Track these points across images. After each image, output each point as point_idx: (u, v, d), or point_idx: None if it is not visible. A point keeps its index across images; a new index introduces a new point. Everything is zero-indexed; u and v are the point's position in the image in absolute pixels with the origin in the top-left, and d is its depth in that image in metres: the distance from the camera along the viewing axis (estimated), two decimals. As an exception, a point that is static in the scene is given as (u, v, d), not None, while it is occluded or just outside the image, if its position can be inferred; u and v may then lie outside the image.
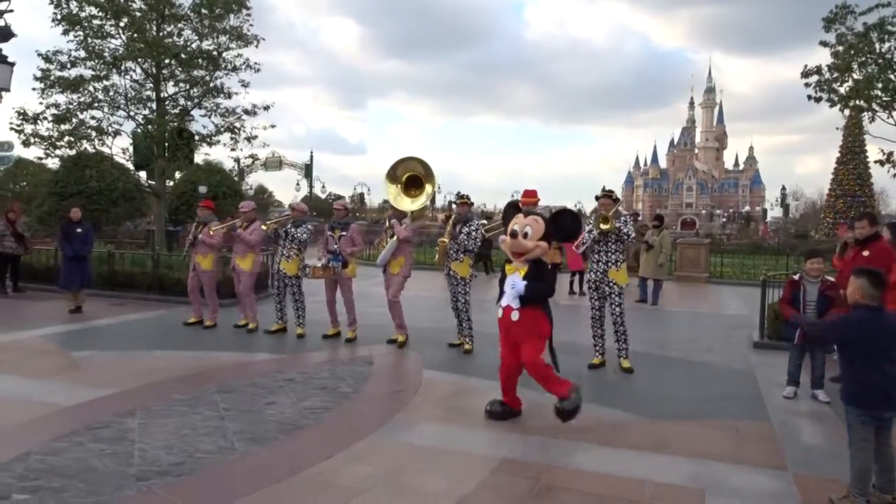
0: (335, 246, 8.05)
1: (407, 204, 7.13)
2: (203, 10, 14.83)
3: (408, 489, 3.81)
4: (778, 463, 4.33)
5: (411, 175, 6.18)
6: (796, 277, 6.02)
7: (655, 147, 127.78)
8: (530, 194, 7.52)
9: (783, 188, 62.87)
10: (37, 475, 3.84)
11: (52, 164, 21.59)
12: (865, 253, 6.43)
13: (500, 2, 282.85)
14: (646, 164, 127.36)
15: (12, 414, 5.01)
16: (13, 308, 10.73)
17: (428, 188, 6.42)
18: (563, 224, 5.31)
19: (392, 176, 6.59)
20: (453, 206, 7.92)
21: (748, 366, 7.32)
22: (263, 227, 8.59)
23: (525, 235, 4.90)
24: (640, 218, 19.69)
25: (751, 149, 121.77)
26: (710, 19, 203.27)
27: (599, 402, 5.67)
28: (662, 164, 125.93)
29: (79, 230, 10.43)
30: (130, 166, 16.82)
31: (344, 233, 8.10)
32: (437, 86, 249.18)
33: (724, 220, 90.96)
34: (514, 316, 4.87)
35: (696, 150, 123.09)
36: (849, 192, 34.93)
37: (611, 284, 6.80)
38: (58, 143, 14.43)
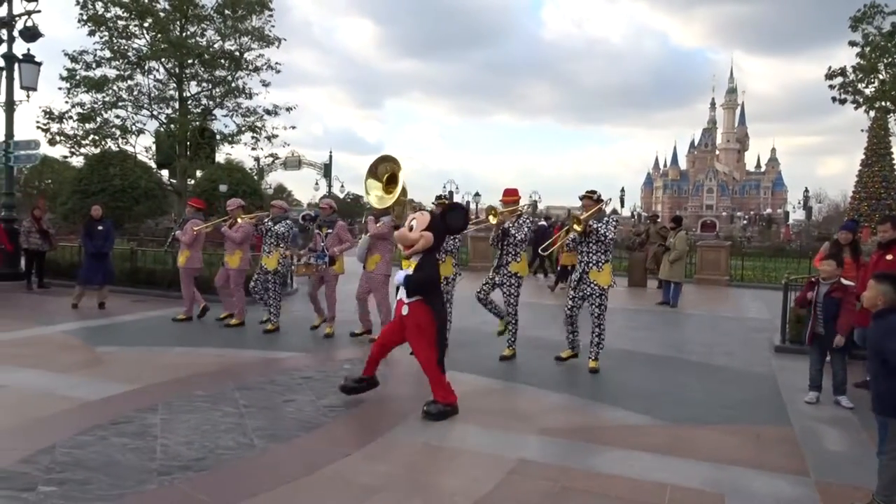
0: (322, 244, 8.25)
1: (388, 200, 7.22)
2: (226, 11, 15.00)
3: (425, 488, 3.82)
4: (799, 468, 4.28)
5: (391, 175, 6.25)
6: (814, 279, 5.97)
7: (675, 148, 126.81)
8: (510, 193, 7.59)
9: (806, 190, 62.00)
10: (62, 468, 3.92)
11: (77, 162, 21.94)
12: (889, 257, 6.33)
13: (516, 1, 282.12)
14: (665, 166, 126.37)
15: (38, 407, 5.11)
16: (38, 303, 10.92)
17: (400, 179, 6.49)
18: (451, 219, 5.40)
19: (373, 173, 6.67)
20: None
21: (769, 370, 7.24)
22: (240, 220, 8.84)
23: (411, 228, 5.13)
24: (658, 219, 19.52)
25: (773, 150, 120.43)
26: (731, 18, 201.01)
27: (617, 404, 5.64)
28: (682, 165, 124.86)
29: (100, 227, 10.60)
30: (153, 164, 17.09)
31: (330, 230, 8.32)
32: (454, 85, 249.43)
33: (745, 222, 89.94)
34: (404, 310, 5.15)
35: (717, 152, 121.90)
36: (874, 195, 34.28)
37: (591, 285, 6.83)
38: (82, 142, 14.71)
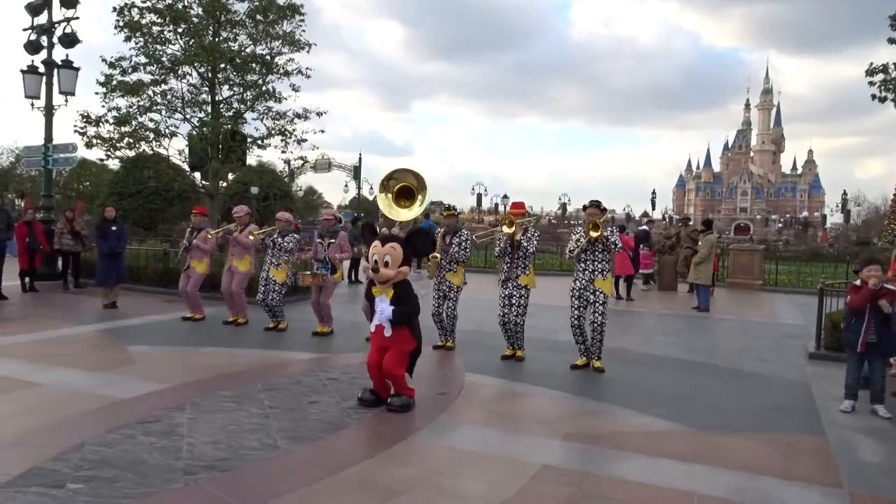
0: (324, 253, 8.42)
1: (404, 214, 7.22)
2: (258, 16, 15.18)
3: (447, 492, 3.80)
4: (832, 480, 4.15)
5: (403, 186, 6.23)
6: (858, 283, 5.78)
7: (709, 150, 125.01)
8: (518, 206, 7.68)
9: (844, 193, 60.66)
10: (91, 465, 3.99)
11: (113, 164, 22.47)
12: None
13: (544, 2, 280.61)
14: (698, 168, 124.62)
15: (70, 405, 5.22)
16: (73, 303, 11.19)
17: (420, 198, 6.46)
18: (416, 244, 5.53)
19: (384, 186, 6.67)
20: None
21: (803, 377, 7.06)
22: (251, 238, 9.10)
23: (386, 264, 5.23)
24: (690, 223, 19.22)
25: (810, 152, 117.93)
26: (764, 17, 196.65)
27: (643, 410, 5.56)
28: (716, 167, 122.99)
29: (114, 228, 10.84)
30: (186, 167, 17.33)
31: (333, 240, 8.53)
32: (482, 87, 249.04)
33: (780, 225, 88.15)
34: (387, 332, 5.29)
35: (752, 154, 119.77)
36: (915, 198, 33.32)
37: (596, 293, 6.86)
38: (118, 145, 14.98)
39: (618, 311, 11.95)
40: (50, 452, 4.16)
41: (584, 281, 6.90)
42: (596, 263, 6.88)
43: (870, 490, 4.03)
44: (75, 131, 14.76)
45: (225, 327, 9.07)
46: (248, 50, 15.51)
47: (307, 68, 15.82)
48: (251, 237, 9.11)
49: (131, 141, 15.02)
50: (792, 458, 4.53)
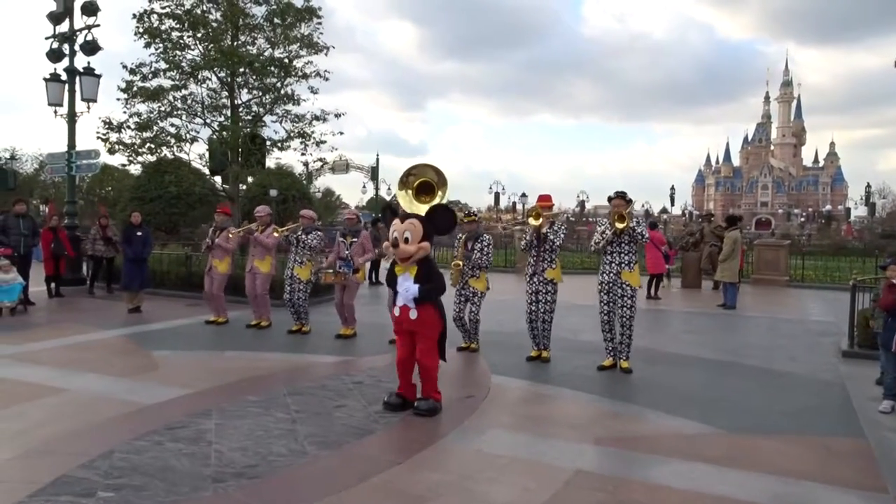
0: (347, 252, 8.37)
1: (423, 209, 7.18)
2: (276, 20, 15.23)
3: (479, 498, 3.74)
4: (875, 485, 4.02)
5: (422, 181, 6.17)
6: (894, 281, 5.62)
7: (728, 144, 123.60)
8: (545, 199, 7.54)
9: (868, 185, 59.55)
10: (120, 473, 3.98)
11: (135, 170, 22.67)
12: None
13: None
14: (717, 162, 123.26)
15: (97, 412, 5.24)
16: (98, 308, 11.30)
17: (440, 193, 6.41)
18: (437, 220, 5.34)
19: (403, 182, 6.64)
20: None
21: (837, 377, 6.89)
22: (276, 235, 9.02)
23: (406, 240, 5.14)
24: (713, 218, 18.94)
25: (831, 144, 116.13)
26: (782, 8, 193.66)
27: (673, 412, 5.45)
28: (735, 161, 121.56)
29: (139, 233, 10.89)
30: (206, 171, 17.44)
31: (355, 240, 8.47)
32: (496, 85, 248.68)
33: (803, 219, 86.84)
34: (413, 314, 5.19)
35: (772, 147, 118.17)
36: (943, 190, 32.61)
37: (623, 286, 6.72)
38: (139, 150, 15.12)
39: (644, 311, 11.80)
40: (79, 460, 4.16)
41: (611, 274, 6.78)
42: (623, 255, 6.75)
43: (915, 495, 3.89)
44: (98, 137, 14.93)
45: (248, 331, 9.09)
46: (266, 53, 15.57)
47: (325, 70, 15.86)
48: (276, 234, 9.03)
49: (153, 146, 15.15)
50: (830, 462, 4.40)
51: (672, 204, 67.38)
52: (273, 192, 26.21)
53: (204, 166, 16.75)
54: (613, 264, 6.78)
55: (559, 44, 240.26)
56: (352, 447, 4.56)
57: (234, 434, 4.73)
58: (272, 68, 15.40)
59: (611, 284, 6.78)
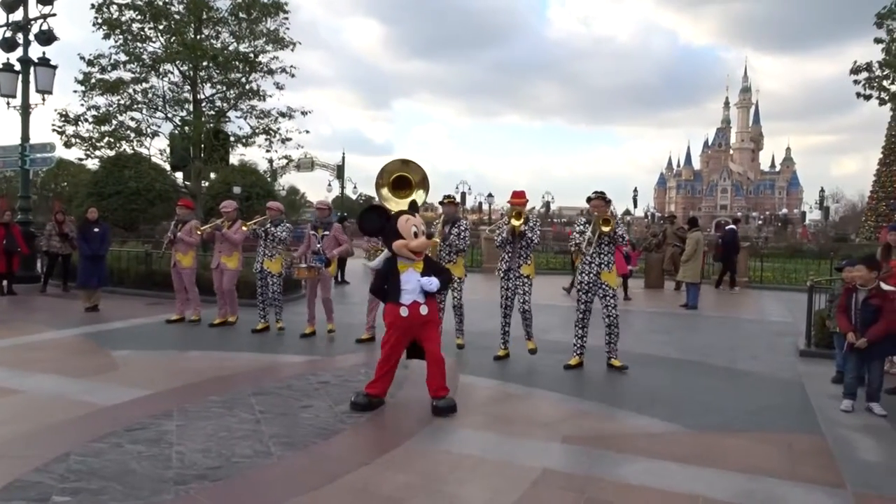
0: (318, 245, 8.18)
1: (401, 205, 7.14)
2: (241, 14, 14.96)
3: (448, 499, 3.70)
4: (835, 480, 4.11)
5: (398, 176, 6.17)
6: (851, 285, 5.77)
7: (689, 148, 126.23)
8: (518, 195, 7.47)
9: (822, 190, 61.50)
10: (77, 476, 3.83)
11: (92, 164, 22.09)
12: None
13: (521, 1, 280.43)
14: (679, 166, 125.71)
15: (53, 413, 5.04)
16: (53, 307, 10.94)
17: (416, 184, 6.41)
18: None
19: (379, 182, 6.62)
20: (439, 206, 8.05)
21: (795, 375, 7.05)
22: (244, 228, 8.84)
23: (416, 234, 5.15)
24: (675, 220, 19.26)
25: (787, 150, 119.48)
26: (741, 16, 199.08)
27: (641, 410, 5.50)
28: (696, 165, 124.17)
29: (96, 230, 10.59)
30: (167, 167, 17.07)
31: (326, 232, 8.28)
32: (462, 86, 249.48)
33: (760, 222, 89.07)
34: (424, 310, 5.15)
35: (732, 151, 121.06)
36: (892, 195, 33.79)
37: (604, 287, 6.80)
38: (98, 144, 14.70)
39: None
40: (33, 463, 3.99)
41: (591, 275, 6.83)
42: (602, 256, 6.81)
43: (874, 489, 3.99)
44: (53, 130, 14.48)
45: (212, 330, 8.88)
46: (231, 48, 15.29)
47: (291, 66, 15.65)
48: (244, 228, 8.83)
49: (111, 140, 14.75)
50: (792, 459, 4.49)
51: (635, 206, 68.43)
52: (237, 190, 25.77)
53: (165, 162, 16.41)
54: (593, 265, 6.81)
55: (525, 46, 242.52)
56: (318, 448, 4.48)
57: (197, 435, 4.60)
58: (237, 63, 15.14)
59: (590, 285, 6.82)
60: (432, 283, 5.13)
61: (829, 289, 7.73)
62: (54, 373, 6.30)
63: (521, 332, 7.32)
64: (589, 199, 7.06)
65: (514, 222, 6.94)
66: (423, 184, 6.74)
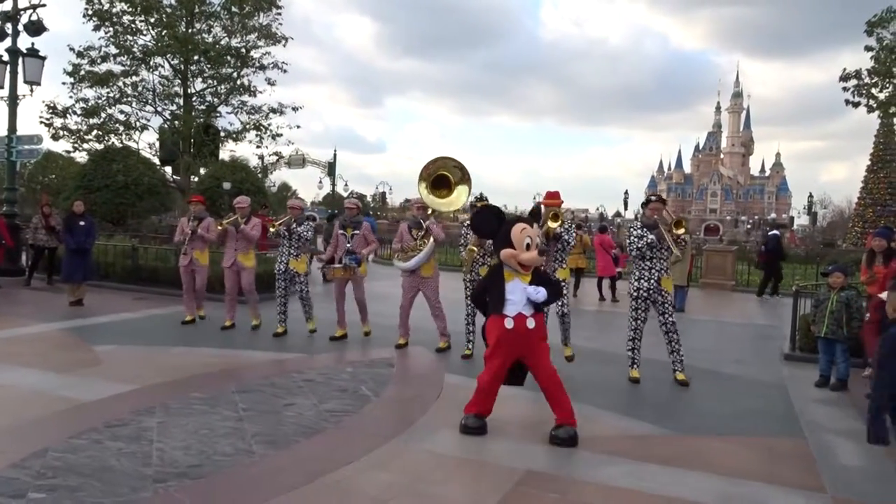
0: (348, 245, 7.97)
1: (439, 204, 6.99)
2: (233, 8, 14.89)
3: (430, 500, 3.69)
4: (815, 484, 4.14)
5: (440, 175, 6.07)
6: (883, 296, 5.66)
7: (680, 151, 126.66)
8: (553, 195, 7.22)
9: (810, 195, 61.91)
10: (54, 473, 3.79)
11: (80, 157, 21.89)
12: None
13: (515, 1, 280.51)
14: (670, 169, 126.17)
15: (32, 408, 5.00)
16: (38, 300, 10.83)
17: (460, 188, 6.30)
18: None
19: (423, 176, 6.48)
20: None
21: (779, 379, 7.09)
22: (272, 229, 8.52)
23: (528, 247, 4.74)
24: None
25: (777, 155, 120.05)
26: (732, 21, 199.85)
27: (625, 413, 5.51)
28: (687, 168, 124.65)
29: (82, 223, 10.45)
30: (156, 161, 16.98)
31: (356, 231, 8.04)
32: (455, 85, 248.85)
33: (749, 226, 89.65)
34: (531, 323, 4.69)
35: (722, 156, 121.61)
36: (879, 201, 34.12)
37: (663, 294, 6.53)
38: (86, 137, 14.65)
39: (597, 312, 11.96)
40: (10, 459, 3.95)
41: (652, 282, 6.51)
42: (662, 262, 6.53)
43: (852, 494, 4.02)
44: (41, 122, 14.39)
45: (198, 326, 8.80)
46: (222, 42, 15.22)
47: (283, 62, 15.60)
48: (272, 229, 8.46)
49: (100, 133, 14.69)
50: (774, 462, 4.51)
51: (626, 208, 68.73)
52: (226, 185, 25.61)
53: (154, 156, 16.35)
54: (654, 270, 6.53)
55: (518, 46, 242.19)
56: (301, 446, 4.46)
57: (178, 432, 4.57)
58: (228, 58, 15.08)
59: (650, 292, 6.56)
60: (539, 292, 4.66)
61: (814, 294, 7.77)
62: (36, 367, 6.24)
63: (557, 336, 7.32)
64: (644, 204, 6.81)
65: (551, 224, 6.61)
66: (465, 183, 6.65)
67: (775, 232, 16.07)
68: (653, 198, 6.85)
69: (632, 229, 6.89)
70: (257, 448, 4.37)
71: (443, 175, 6.35)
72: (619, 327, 10.41)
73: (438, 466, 4.18)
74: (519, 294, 4.70)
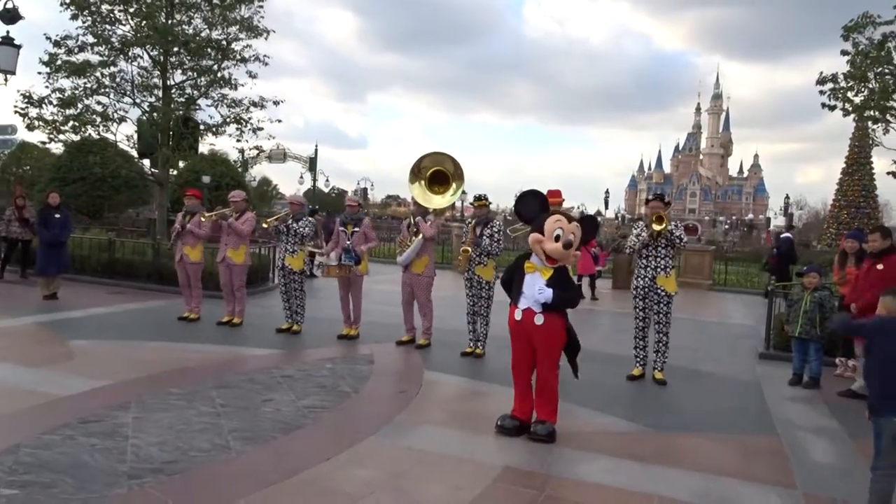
0: (348, 242, 7.89)
1: (437, 200, 6.96)
2: (214, 0, 14.70)
3: (409, 496, 3.69)
4: (787, 481, 4.21)
5: (437, 170, 6.02)
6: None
7: (660, 152, 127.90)
8: (555, 194, 7.30)
9: (787, 197, 62.78)
10: (26, 469, 3.73)
11: (56, 148, 21.50)
12: (879, 266, 6.30)
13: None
14: (650, 169, 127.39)
15: (4, 403, 4.90)
16: (10, 293, 10.63)
17: (454, 185, 6.28)
18: (589, 229, 4.96)
19: (415, 173, 6.42)
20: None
21: (754, 377, 7.20)
22: (265, 225, 8.43)
23: (569, 245, 4.64)
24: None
25: (755, 156, 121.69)
26: (712, 22, 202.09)
27: (604, 410, 5.56)
28: (667, 168, 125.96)
29: (57, 216, 10.26)
30: (134, 154, 16.70)
31: (356, 228, 7.93)
32: (437, 81, 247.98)
33: (727, 227, 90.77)
34: (539, 320, 4.65)
35: (701, 156, 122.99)
36: (853, 204, 34.70)
37: (659, 292, 6.50)
38: (62, 128, 14.31)
39: (575, 310, 12.01)
40: (-19, 455, 3.88)
41: (646, 279, 6.53)
42: (658, 260, 6.50)
43: (823, 490, 4.09)
44: (16, 112, 14.04)
45: (176, 321, 8.69)
46: (203, 34, 15.00)
47: (265, 55, 15.42)
48: (265, 224, 8.36)
49: (76, 124, 14.36)
50: (749, 459, 4.58)
51: (606, 207, 69.22)
52: (206, 179, 25.33)
53: (132, 148, 16.03)
54: (648, 269, 6.54)
55: (500, 43, 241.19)
56: (279, 442, 4.43)
57: (154, 428, 4.52)
58: (209, 50, 14.86)
59: (646, 290, 6.55)
60: (543, 293, 4.61)
61: (788, 294, 7.90)
62: (8, 361, 6.12)
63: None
64: (647, 202, 6.79)
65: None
66: (459, 180, 6.65)
67: (788, 235, 15.41)
68: (650, 197, 6.83)
69: (633, 227, 7.00)
70: (234, 444, 4.33)
71: (439, 171, 6.31)
72: (597, 325, 10.51)
73: (417, 463, 4.18)
74: (531, 289, 4.68)
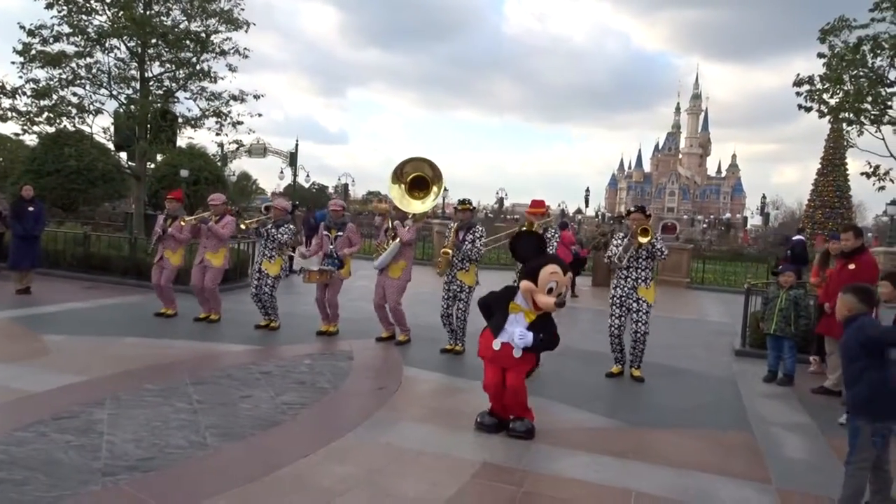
0: (331, 247, 7.87)
1: (416, 206, 6.96)
2: (193, -9, 14.53)
3: (387, 492, 3.69)
4: (762, 476, 4.28)
5: (417, 176, 6.03)
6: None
7: (640, 151, 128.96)
8: (538, 205, 7.19)
9: (763, 196, 63.80)
10: (-2, 466, 3.67)
11: (30, 140, 21.13)
12: (851, 266, 6.41)
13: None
14: (630, 167, 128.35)
15: (-25, 399, 4.81)
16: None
17: (434, 189, 6.30)
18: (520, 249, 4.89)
19: (397, 176, 6.42)
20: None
21: (730, 374, 7.30)
22: (242, 226, 8.38)
23: (550, 290, 4.57)
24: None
25: (733, 156, 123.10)
26: (692, 23, 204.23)
27: (580, 406, 5.60)
28: (646, 167, 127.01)
29: (31, 209, 10.08)
30: (111, 146, 16.47)
31: (340, 233, 7.92)
32: (418, 78, 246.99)
33: (705, 226, 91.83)
34: (517, 353, 4.62)
35: (681, 156, 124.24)
36: (828, 204, 35.31)
37: (639, 301, 6.58)
38: (36, 119, 14.07)
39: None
40: (-50, 452, 3.80)
41: (626, 289, 6.60)
42: (640, 271, 6.57)
43: (796, 486, 4.17)
44: (-13, 102, 13.77)
45: (152, 317, 8.58)
46: (182, 26, 14.82)
47: (245, 48, 15.28)
48: (243, 226, 8.28)
49: (51, 116, 14.14)
50: (724, 455, 4.64)
51: (587, 205, 69.57)
52: (184, 173, 25.04)
53: (108, 141, 15.83)
54: (629, 279, 6.59)
55: (482, 40, 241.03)
56: (257, 439, 4.40)
57: (129, 425, 4.46)
58: (187, 42, 14.69)
59: (624, 298, 6.61)
60: (524, 338, 4.58)
61: (764, 292, 8.01)
62: (-21, 357, 6.01)
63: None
64: (628, 213, 6.82)
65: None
66: (439, 183, 6.67)
67: (800, 237, 14.79)
68: (632, 209, 6.85)
69: (614, 238, 7.03)
70: (211, 440, 4.30)
71: (419, 176, 6.33)
72: (576, 322, 10.57)
73: (396, 459, 4.18)
74: (517, 332, 4.63)
